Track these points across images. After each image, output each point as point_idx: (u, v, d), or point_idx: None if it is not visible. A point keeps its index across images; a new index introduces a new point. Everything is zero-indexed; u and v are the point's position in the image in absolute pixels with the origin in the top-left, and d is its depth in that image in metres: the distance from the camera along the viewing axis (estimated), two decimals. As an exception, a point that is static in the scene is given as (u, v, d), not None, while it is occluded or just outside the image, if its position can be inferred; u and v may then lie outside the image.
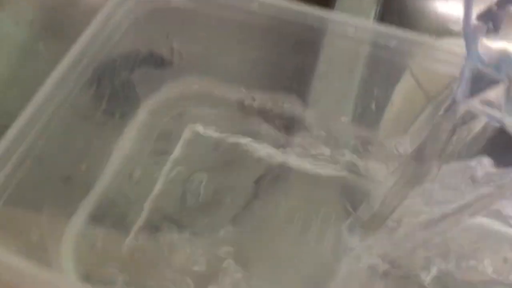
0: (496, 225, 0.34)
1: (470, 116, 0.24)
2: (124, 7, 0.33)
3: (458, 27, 0.54)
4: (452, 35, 0.50)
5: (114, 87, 0.34)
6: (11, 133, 0.28)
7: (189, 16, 0.35)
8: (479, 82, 0.23)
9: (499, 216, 0.34)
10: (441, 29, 0.51)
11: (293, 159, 0.36)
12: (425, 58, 0.34)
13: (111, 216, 0.33)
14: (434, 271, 0.32)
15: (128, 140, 0.35)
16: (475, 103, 0.23)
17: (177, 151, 0.36)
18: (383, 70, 0.35)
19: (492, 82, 0.22)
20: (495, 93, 0.23)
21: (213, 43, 0.36)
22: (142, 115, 0.37)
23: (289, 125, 0.37)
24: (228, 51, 0.37)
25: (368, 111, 0.36)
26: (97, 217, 0.33)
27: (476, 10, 0.22)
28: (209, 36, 0.36)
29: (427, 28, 0.50)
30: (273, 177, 0.35)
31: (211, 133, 0.37)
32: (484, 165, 0.25)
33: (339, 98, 0.37)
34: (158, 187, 0.35)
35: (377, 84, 0.35)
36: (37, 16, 0.58)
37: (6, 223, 0.27)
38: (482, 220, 0.34)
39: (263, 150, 0.36)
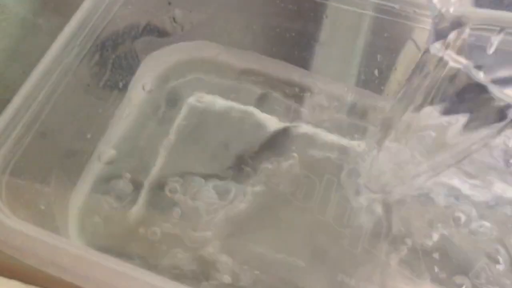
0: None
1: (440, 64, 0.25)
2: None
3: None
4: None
5: (116, 57, 0.34)
6: (14, 104, 0.28)
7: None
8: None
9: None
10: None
11: (296, 126, 0.36)
12: (427, 22, 0.33)
13: (115, 185, 0.33)
14: (436, 237, 0.33)
15: (132, 108, 0.35)
16: (437, 47, 0.24)
17: (181, 119, 0.36)
18: (386, 35, 0.34)
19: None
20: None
21: (215, 11, 0.36)
22: (145, 83, 0.37)
23: (292, 92, 0.37)
24: (231, 19, 0.36)
25: (372, 77, 0.36)
26: (102, 186, 0.33)
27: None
28: (211, 4, 0.36)
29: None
30: (277, 144, 0.36)
31: (216, 100, 0.37)
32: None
33: (343, 65, 0.36)
34: (162, 155, 0.35)
35: (381, 50, 0.35)
36: (36, -11, 0.57)
37: (14, 193, 0.27)
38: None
39: (267, 117, 0.37)
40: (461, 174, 0.34)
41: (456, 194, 0.34)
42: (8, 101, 0.49)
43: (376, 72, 0.36)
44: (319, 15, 0.35)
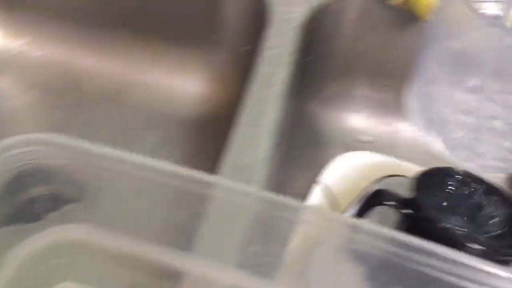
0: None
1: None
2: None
3: (368, 138, 0.58)
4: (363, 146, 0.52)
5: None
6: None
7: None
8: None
9: None
10: (350, 142, 0.53)
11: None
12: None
13: None
14: None
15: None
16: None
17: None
18: (266, 231, 0.35)
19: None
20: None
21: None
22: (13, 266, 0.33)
23: (169, 276, 0.36)
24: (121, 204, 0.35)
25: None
26: None
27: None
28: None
29: (337, 141, 0.54)
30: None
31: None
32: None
33: (222, 251, 0.37)
34: None
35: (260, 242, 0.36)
36: None
37: None
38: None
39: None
40: None
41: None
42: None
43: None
44: (204, 208, 0.35)
